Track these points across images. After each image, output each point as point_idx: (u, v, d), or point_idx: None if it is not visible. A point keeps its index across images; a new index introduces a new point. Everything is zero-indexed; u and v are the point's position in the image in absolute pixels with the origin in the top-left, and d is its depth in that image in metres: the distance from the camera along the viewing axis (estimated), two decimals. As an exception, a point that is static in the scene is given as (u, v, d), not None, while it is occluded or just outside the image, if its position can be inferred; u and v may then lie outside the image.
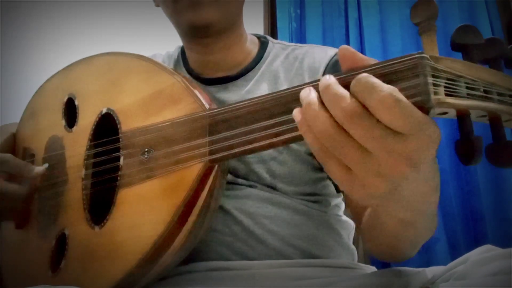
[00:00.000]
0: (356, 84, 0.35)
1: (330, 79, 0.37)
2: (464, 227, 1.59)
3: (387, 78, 0.37)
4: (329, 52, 0.76)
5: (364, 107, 0.35)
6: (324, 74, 0.72)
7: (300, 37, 1.94)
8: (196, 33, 0.72)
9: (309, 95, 0.38)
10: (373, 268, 0.71)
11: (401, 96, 0.34)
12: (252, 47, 0.79)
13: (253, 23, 1.90)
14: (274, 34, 2.00)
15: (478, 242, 1.35)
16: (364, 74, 0.35)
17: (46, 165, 0.68)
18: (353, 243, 0.77)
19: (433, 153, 0.37)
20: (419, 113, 0.34)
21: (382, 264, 1.29)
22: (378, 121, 0.35)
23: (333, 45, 1.13)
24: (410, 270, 0.59)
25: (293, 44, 0.82)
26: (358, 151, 0.36)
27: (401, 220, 0.45)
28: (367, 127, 0.35)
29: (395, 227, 0.49)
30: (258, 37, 0.83)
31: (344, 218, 0.75)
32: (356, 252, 0.76)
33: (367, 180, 0.37)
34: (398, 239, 0.52)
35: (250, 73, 0.75)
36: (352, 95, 0.35)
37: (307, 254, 0.67)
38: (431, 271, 0.58)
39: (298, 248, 0.66)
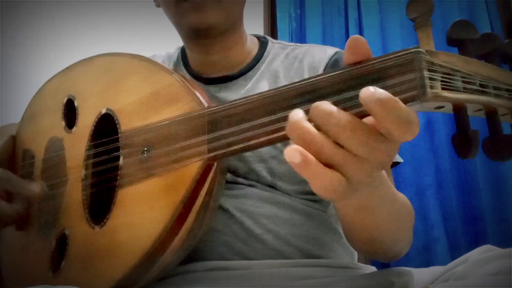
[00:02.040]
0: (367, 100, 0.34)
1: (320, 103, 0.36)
2: (464, 227, 1.59)
3: (383, 73, 0.37)
4: (329, 51, 0.77)
5: (356, 117, 0.35)
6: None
7: (300, 37, 1.94)
8: (198, 35, 0.72)
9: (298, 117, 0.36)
10: (373, 268, 0.71)
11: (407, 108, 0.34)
12: (252, 46, 0.80)
13: (253, 23, 1.90)
14: (274, 34, 2.00)
15: (478, 242, 1.35)
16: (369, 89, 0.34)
17: (45, 185, 0.67)
18: (353, 243, 0.76)
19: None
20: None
21: (382, 264, 1.29)
22: (370, 130, 0.35)
23: (333, 45, 1.13)
24: (410, 270, 0.60)
25: (292, 43, 0.82)
26: (355, 160, 0.35)
27: (358, 207, 0.46)
28: (363, 137, 0.35)
29: (355, 216, 0.49)
30: (258, 37, 0.84)
31: (344, 218, 0.75)
32: (356, 252, 0.76)
33: (355, 181, 0.37)
34: (365, 230, 0.53)
35: (250, 72, 0.76)
36: (371, 114, 0.34)
37: (307, 254, 0.66)
38: (431, 271, 0.59)
39: (298, 248, 0.66)
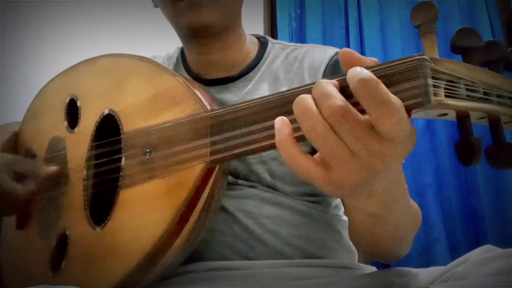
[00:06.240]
0: (359, 86, 0.35)
1: (325, 80, 0.38)
2: (464, 227, 1.59)
3: (387, 79, 0.37)
4: (329, 51, 0.76)
5: (350, 106, 0.36)
6: (324, 73, 0.72)
7: (300, 37, 1.94)
8: (195, 34, 0.72)
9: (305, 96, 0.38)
10: (373, 268, 0.71)
11: (403, 109, 0.35)
12: (252, 47, 0.80)
13: (253, 23, 1.91)
14: (274, 34, 2.00)
15: (478, 242, 1.36)
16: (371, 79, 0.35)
17: (55, 167, 0.68)
18: (353, 243, 0.77)
19: (406, 155, 0.38)
20: (410, 124, 0.36)
21: (382, 264, 1.29)
22: (361, 122, 0.35)
23: (333, 45, 1.13)
24: (410, 270, 0.60)
25: (293, 44, 0.82)
26: (343, 149, 0.36)
27: (370, 214, 0.46)
28: (351, 127, 0.35)
29: (364, 221, 0.50)
30: (258, 37, 0.83)
31: (345, 218, 0.75)
32: (356, 252, 0.76)
33: (341, 174, 0.37)
34: (371, 233, 0.53)
35: (250, 74, 0.75)
36: (354, 94, 0.35)
37: (307, 254, 0.67)
38: (431, 271, 0.59)
39: (298, 248, 0.66)
